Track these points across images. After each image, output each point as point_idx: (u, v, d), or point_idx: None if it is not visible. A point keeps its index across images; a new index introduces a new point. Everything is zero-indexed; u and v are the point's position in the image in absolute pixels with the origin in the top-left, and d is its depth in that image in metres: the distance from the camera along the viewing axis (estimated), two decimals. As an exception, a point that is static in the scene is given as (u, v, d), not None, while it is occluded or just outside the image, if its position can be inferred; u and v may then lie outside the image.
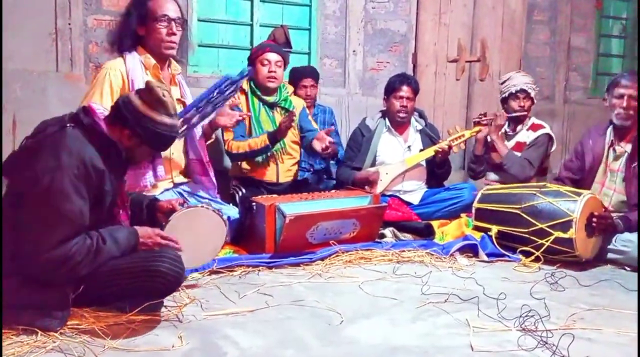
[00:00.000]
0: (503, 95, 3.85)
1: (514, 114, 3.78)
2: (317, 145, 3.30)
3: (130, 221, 2.22)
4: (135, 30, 2.74)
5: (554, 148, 3.88)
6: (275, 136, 3.33)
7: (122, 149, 2.00)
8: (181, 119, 2.54)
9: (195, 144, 2.95)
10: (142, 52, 2.77)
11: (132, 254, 2.03)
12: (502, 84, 3.89)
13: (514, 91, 3.75)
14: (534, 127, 3.82)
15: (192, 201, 2.82)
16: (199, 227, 2.34)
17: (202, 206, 2.44)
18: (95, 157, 1.92)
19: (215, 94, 2.72)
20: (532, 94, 3.79)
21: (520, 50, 5.34)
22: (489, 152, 3.87)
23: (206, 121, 2.98)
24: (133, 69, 2.71)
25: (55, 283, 1.90)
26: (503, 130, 3.88)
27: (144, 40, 2.76)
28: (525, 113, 3.79)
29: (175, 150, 2.86)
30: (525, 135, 3.83)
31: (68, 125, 1.93)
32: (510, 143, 3.85)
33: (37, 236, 1.84)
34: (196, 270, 2.63)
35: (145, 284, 1.99)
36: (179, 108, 2.87)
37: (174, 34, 2.75)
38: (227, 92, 2.78)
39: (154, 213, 2.33)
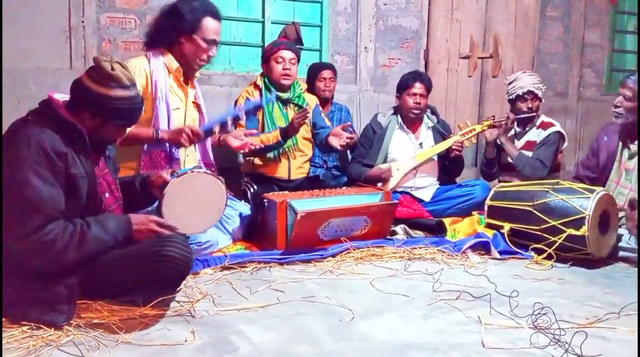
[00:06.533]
0: (510, 97, 3.84)
1: (522, 116, 3.78)
2: (335, 142, 3.31)
3: (126, 204, 2.23)
4: (175, 36, 2.75)
5: (565, 145, 3.86)
6: (287, 132, 3.34)
7: (83, 131, 1.97)
8: (205, 131, 2.72)
9: (205, 148, 3.05)
10: (167, 54, 2.80)
11: (139, 243, 2.05)
12: (509, 84, 3.87)
13: (521, 93, 3.74)
14: (544, 125, 3.80)
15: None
16: (197, 192, 2.31)
17: (193, 171, 2.35)
18: (56, 142, 1.90)
19: (242, 114, 2.85)
20: (540, 94, 3.77)
21: (533, 47, 5.30)
22: (500, 154, 3.86)
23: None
24: (157, 71, 2.76)
25: (47, 273, 1.89)
26: (513, 130, 3.88)
27: (177, 46, 2.78)
28: (534, 114, 3.79)
29: (190, 153, 2.93)
30: (535, 133, 3.82)
31: (29, 117, 1.96)
32: (520, 142, 3.85)
33: (12, 227, 1.85)
34: (208, 265, 2.65)
35: (155, 270, 2.00)
36: (194, 110, 2.98)
37: (213, 56, 2.85)
38: (251, 114, 2.93)
39: (149, 190, 2.31)
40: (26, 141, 1.86)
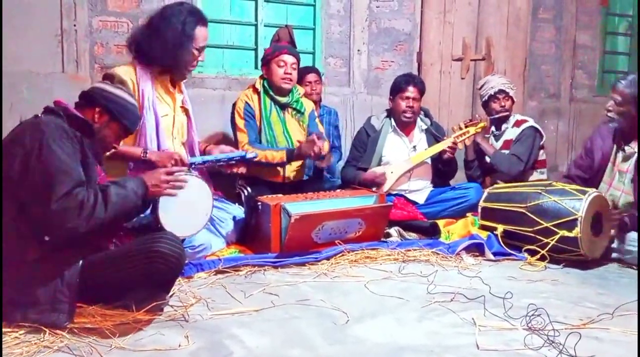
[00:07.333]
0: (483, 99, 3.96)
1: (496, 116, 3.88)
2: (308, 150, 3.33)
3: None
4: (164, 46, 2.74)
5: (543, 140, 3.95)
6: (293, 157, 3.37)
7: (92, 124, 2.13)
8: (190, 163, 2.83)
9: (194, 151, 3.07)
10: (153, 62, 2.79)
11: (129, 243, 2.13)
12: (480, 88, 4.01)
13: (492, 93, 3.87)
14: (518, 123, 3.91)
15: None
16: (189, 194, 2.41)
17: (187, 174, 2.48)
18: (70, 129, 2.02)
19: (225, 161, 3.02)
20: (511, 94, 3.89)
21: (526, 49, 5.32)
22: (481, 156, 3.94)
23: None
24: (143, 79, 2.77)
25: (81, 235, 1.95)
26: (491, 131, 3.98)
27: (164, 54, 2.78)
28: (507, 113, 3.90)
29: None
30: (511, 132, 3.92)
31: (40, 114, 2.06)
32: (499, 142, 3.96)
33: (43, 195, 1.90)
34: (202, 269, 2.65)
35: (146, 267, 2.01)
36: (182, 115, 3.00)
37: (202, 60, 2.90)
38: (233, 163, 3.07)
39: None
40: (45, 124, 1.98)
